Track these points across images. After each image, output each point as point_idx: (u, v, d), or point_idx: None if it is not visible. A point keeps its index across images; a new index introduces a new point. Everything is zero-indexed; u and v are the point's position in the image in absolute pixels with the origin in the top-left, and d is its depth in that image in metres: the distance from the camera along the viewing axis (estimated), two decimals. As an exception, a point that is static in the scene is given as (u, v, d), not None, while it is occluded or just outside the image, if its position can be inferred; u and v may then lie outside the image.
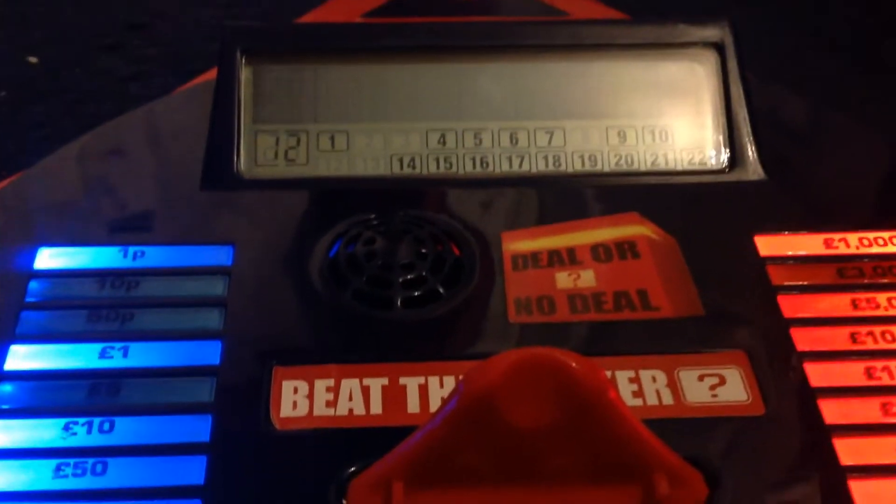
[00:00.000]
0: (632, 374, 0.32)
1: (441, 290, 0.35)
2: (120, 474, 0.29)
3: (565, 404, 0.27)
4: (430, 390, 0.31)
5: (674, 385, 0.32)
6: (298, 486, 0.29)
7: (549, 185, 0.40)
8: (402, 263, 0.35)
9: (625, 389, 0.32)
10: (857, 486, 0.29)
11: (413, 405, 0.31)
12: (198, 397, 0.31)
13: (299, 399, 0.31)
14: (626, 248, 0.37)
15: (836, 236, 0.37)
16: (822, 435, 0.31)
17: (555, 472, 0.28)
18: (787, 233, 0.37)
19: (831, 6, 0.74)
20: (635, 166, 0.40)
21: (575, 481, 0.28)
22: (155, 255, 0.36)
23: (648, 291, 0.35)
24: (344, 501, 0.28)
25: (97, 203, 0.39)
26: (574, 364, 0.27)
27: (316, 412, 0.31)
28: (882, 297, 0.35)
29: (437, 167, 0.40)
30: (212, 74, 0.43)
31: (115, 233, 0.37)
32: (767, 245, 0.37)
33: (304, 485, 0.29)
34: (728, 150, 0.41)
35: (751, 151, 0.40)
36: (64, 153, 0.41)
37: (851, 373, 0.33)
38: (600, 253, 0.36)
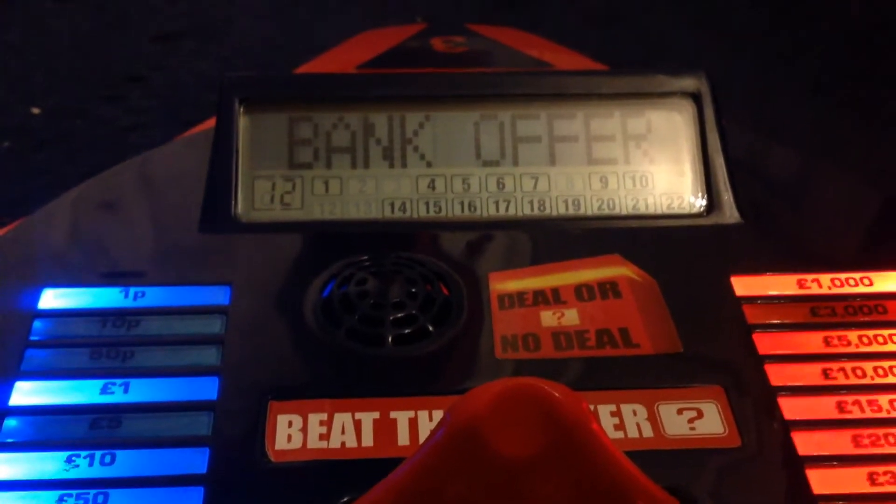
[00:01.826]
0: (613, 407, 0.33)
1: (431, 329, 0.36)
2: None
3: (549, 433, 0.28)
4: (420, 424, 0.33)
5: (654, 418, 0.33)
6: None
7: (534, 228, 0.41)
8: (393, 303, 0.36)
9: (607, 422, 0.33)
10: (830, 514, 0.31)
11: (403, 438, 0.32)
12: (196, 431, 0.32)
13: (294, 432, 0.32)
14: (608, 289, 0.38)
15: (809, 277, 0.39)
16: (795, 465, 0.32)
17: (540, 501, 0.28)
18: (762, 274, 0.38)
19: (813, 51, 0.77)
20: (617, 210, 0.42)
21: None
22: (155, 296, 0.37)
23: (630, 329, 0.36)
24: None
25: (99, 246, 0.40)
26: (557, 394, 0.28)
27: (310, 445, 0.32)
28: (853, 335, 0.36)
29: (427, 211, 0.42)
30: (209, 123, 0.44)
31: (117, 274, 0.38)
32: (743, 285, 0.38)
33: None
34: (705, 195, 0.42)
35: (727, 196, 0.42)
36: (66, 198, 0.43)
37: (823, 407, 0.34)
38: (583, 293, 0.38)
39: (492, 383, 0.28)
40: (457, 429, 0.27)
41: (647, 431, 0.33)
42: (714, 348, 0.36)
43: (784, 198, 0.44)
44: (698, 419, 0.33)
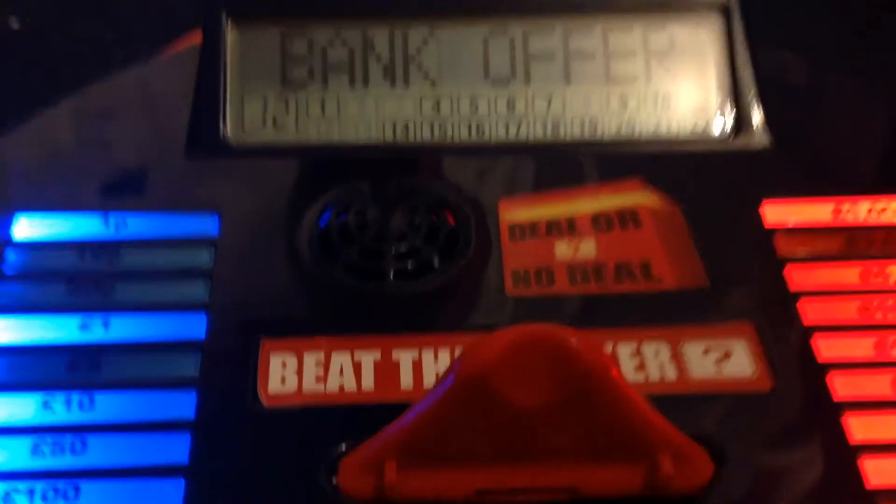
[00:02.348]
0: (634, 347, 0.31)
1: (435, 262, 0.34)
2: (100, 452, 0.28)
3: (565, 383, 0.26)
4: (424, 365, 0.30)
5: (678, 359, 0.31)
6: (287, 465, 0.28)
7: (547, 153, 0.38)
8: (394, 234, 0.34)
9: (626, 364, 0.31)
10: (869, 465, 0.28)
11: (406, 381, 0.30)
12: (182, 372, 0.30)
13: (288, 374, 0.30)
14: (627, 218, 0.35)
15: (845, 205, 0.36)
16: (831, 411, 0.30)
17: (555, 452, 0.27)
18: (794, 201, 0.36)
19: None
20: (637, 133, 0.39)
21: (576, 461, 0.27)
22: (137, 224, 0.35)
23: (651, 262, 0.34)
24: (334, 481, 0.27)
25: (77, 170, 0.37)
26: (574, 341, 0.26)
27: (305, 388, 0.30)
28: (892, 268, 0.34)
29: (431, 134, 0.39)
30: (199, 38, 0.41)
31: (96, 200, 0.35)
32: (774, 214, 0.36)
33: (293, 464, 0.28)
34: (733, 117, 0.39)
35: (757, 117, 0.39)
36: (44, 118, 0.40)
37: (861, 347, 0.31)
38: (601, 222, 0.35)
39: (504, 330, 0.25)
40: (465, 378, 0.26)
41: (671, 374, 0.30)
42: (743, 283, 0.33)
43: (818, 119, 0.41)
44: (725, 360, 0.31)
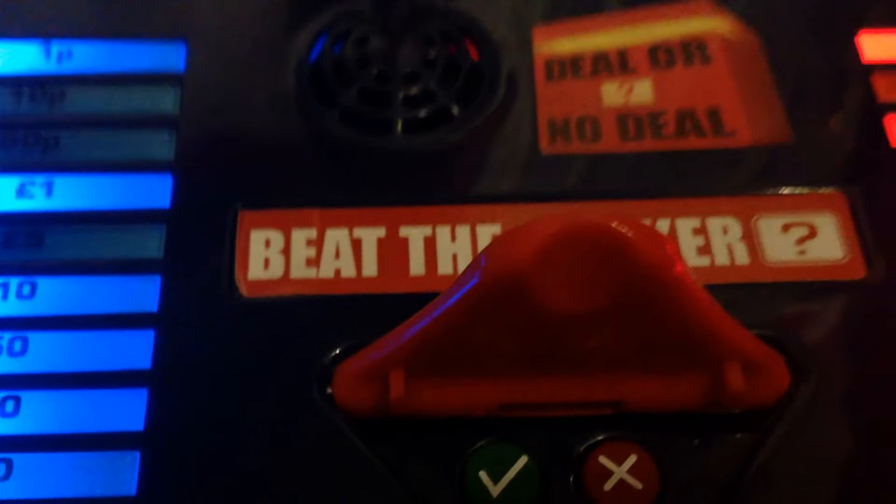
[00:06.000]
0: (697, 222, 0.27)
1: (454, 109, 0.29)
2: (44, 355, 0.24)
3: (618, 286, 0.21)
4: (439, 245, 0.26)
5: (750, 238, 0.26)
6: (270, 370, 0.24)
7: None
8: (403, 73, 0.29)
9: (688, 244, 0.26)
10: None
11: (417, 265, 0.26)
12: (143, 252, 0.25)
13: (272, 256, 0.26)
14: (693, 51, 0.30)
15: (965, 34, 0.30)
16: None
17: (596, 362, 0.23)
18: (900, 31, 0.30)
19: None
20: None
21: (622, 372, 0.23)
22: (86, 56, 0.29)
23: (721, 110, 0.29)
24: (328, 391, 0.23)
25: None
26: (633, 237, 0.21)
27: (293, 273, 0.25)
28: None
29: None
30: None
31: (35, 25, 0.30)
32: (875, 46, 0.30)
33: (279, 368, 0.24)
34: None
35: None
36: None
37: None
38: (660, 57, 0.30)
39: (541, 222, 0.21)
40: (494, 279, 0.21)
41: (742, 257, 0.26)
42: (834, 138, 0.28)
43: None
44: (810, 239, 0.26)
